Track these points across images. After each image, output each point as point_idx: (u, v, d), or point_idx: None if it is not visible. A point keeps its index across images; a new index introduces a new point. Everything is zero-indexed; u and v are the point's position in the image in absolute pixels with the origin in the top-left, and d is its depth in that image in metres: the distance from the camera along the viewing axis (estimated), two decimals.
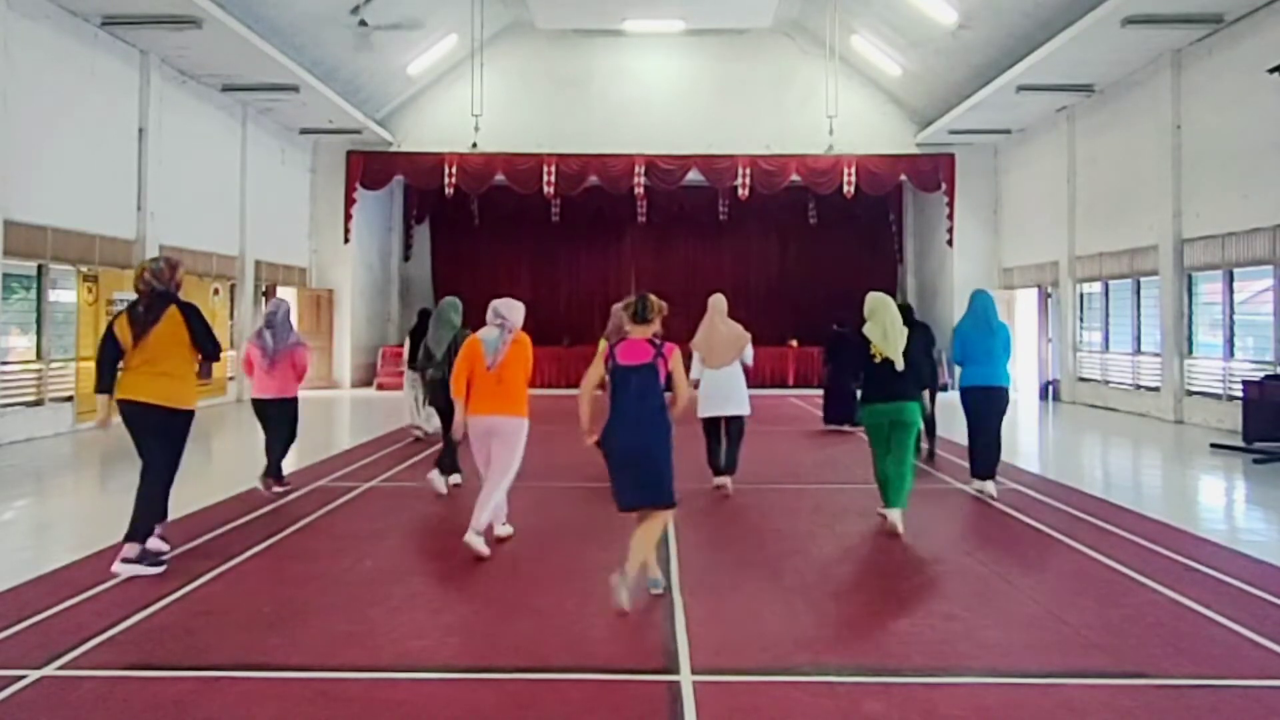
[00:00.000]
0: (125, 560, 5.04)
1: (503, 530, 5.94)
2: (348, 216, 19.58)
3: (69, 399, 11.66)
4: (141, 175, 13.25)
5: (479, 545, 5.40)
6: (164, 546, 5.42)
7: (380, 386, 19.33)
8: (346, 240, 19.61)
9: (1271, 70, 10.86)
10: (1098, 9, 12.09)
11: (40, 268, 11.31)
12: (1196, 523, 6.72)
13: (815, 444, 11.02)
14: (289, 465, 7.88)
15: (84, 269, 11.82)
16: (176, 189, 14.03)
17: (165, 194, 13.67)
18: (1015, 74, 14.81)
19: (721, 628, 4.27)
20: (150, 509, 5.19)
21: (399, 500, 7.34)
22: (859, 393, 6.61)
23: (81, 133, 12.03)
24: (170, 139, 13.88)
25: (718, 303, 7.77)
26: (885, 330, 6.29)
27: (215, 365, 5.56)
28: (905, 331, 6.36)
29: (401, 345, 13.38)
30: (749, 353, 7.68)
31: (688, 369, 7.26)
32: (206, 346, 5.35)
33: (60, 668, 3.71)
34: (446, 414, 7.46)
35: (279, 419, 7.43)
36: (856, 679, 3.66)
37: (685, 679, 3.63)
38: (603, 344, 7.77)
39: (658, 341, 4.73)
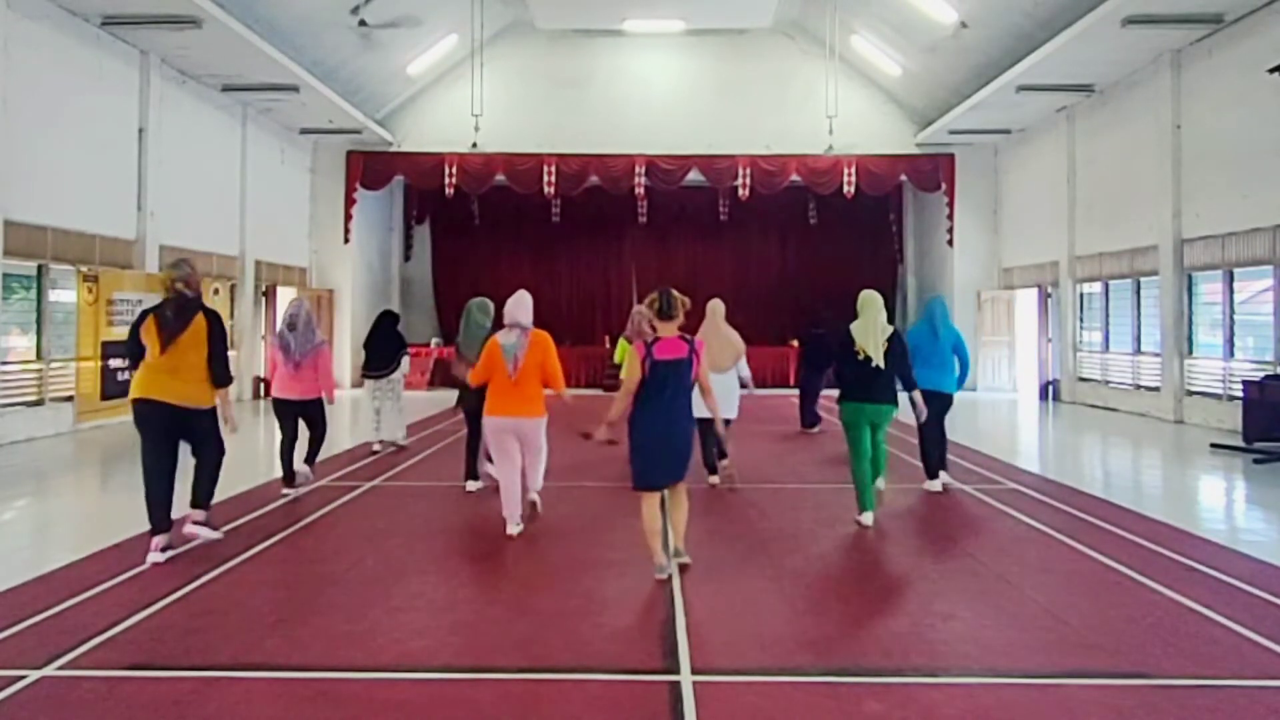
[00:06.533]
0: (195, 523, 5.60)
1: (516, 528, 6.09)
2: (348, 216, 19.58)
3: (69, 399, 11.66)
4: (141, 175, 13.26)
5: (534, 499, 6.54)
6: (211, 533, 5.72)
7: None
8: (346, 240, 19.62)
9: (1271, 70, 10.87)
10: (1098, 9, 12.09)
11: (40, 268, 11.31)
12: (1197, 523, 6.71)
13: (816, 443, 11.01)
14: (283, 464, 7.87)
15: (84, 269, 11.82)
16: (176, 189, 14.03)
17: (165, 194, 13.68)
18: (1015, 74, 14.81)
19: (722, 628, 4.27)
20: (204, 487, 5.67)
21: (400, 500, 7.33)
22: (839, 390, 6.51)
23: (82, 133, 12.03)
24: (170, 139, 13.88)
25: (717, 307, 7.93)
26: (867, 328, 6.29)
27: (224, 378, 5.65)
28: (887, 330, 6.32)
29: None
30: (744, 365, 7.93)
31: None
32: (216, 369, 5.48)
33: (60, 668, 3.71)
34: (476, 418, 7.48)
35: (308, 419, 7.50)
36: (856, 679, 3.66)
37: (685, 679, 3.63)
38: (622, 343, 8.17)
39: (689, 338, 5.00)
